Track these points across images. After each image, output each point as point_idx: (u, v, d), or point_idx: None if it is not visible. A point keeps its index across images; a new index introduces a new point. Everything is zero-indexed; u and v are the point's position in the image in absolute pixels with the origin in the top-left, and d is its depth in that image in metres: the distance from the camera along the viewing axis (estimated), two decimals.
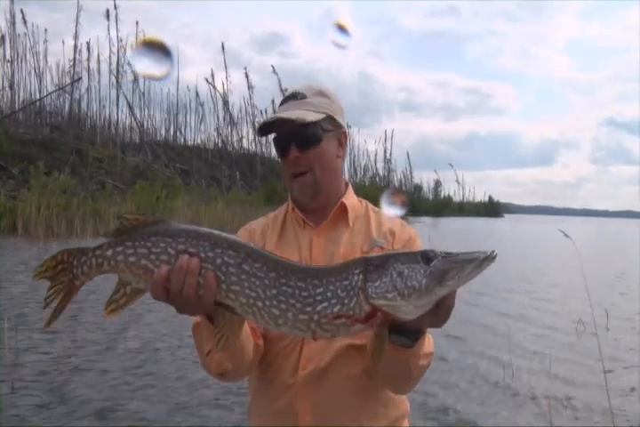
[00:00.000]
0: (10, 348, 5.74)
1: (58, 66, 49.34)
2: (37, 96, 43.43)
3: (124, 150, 39.68)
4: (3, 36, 41.91)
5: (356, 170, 73.93)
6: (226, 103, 54.10)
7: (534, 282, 13.18)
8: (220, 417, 4.44)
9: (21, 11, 42.77)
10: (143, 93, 49.17)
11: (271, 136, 1.57)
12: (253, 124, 57.09)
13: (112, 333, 6.73)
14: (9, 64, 42.57)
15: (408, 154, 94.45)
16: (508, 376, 5.67)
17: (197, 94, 55.32)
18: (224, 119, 54.44)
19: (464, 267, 1.04)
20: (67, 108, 42.79)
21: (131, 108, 46.39)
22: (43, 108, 42.31)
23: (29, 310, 7.68)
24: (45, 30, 47.44)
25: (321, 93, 1.55)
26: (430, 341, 1.35)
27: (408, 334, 1.19)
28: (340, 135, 1.57)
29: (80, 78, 43.44)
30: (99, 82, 47.56)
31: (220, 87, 55.54)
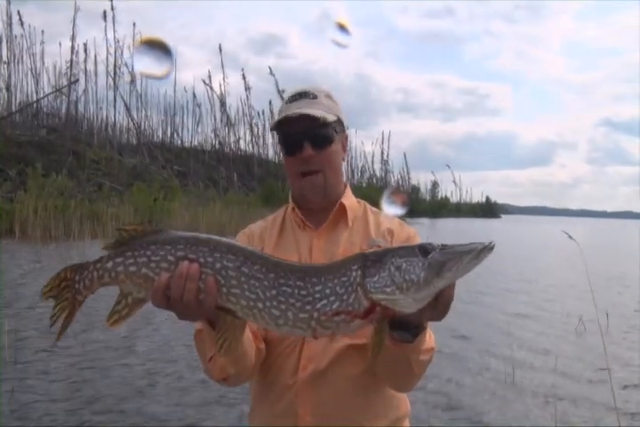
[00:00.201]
0: (9, 347, 5.74)
1: (55, 67, 49.42)
2: (34, 98, 43.38)
3: (121, 152, 39.61)
4: None
5: (353, 171, 74.02)
6: (223, 104, 54.13)
7: (535, 282, 13.24)
8: (220, 417, 4.46)
9: (18, 12, 42.77)
10: (140, 95, 49.24)
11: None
12: (250, 125, 57.18)
13: (113, 332, 6.73)
14: (5, 65, 42.44)
15: (405, 155, 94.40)
16: (510, 375, 5.67)
17: (195, 96, 55.35)
18: (221, 121, 54.50)
19: (462, 258, 1.04)
20: (64, 110, 42.74)
21: (128, 109, 46.40)
22: (39, 109, 42.22)
23: (28, 310, 7.69)
24: (42, 32, 47.79)
25: (329, 96, 1.58)
26: (431, 336, 1.35)
27: (408, 328, 1.19)
28: (344, 138, 1.61)
29: (77, 80, 43.45)
30: (96, 83, 47.58)
31: (217, 88, 55.69)
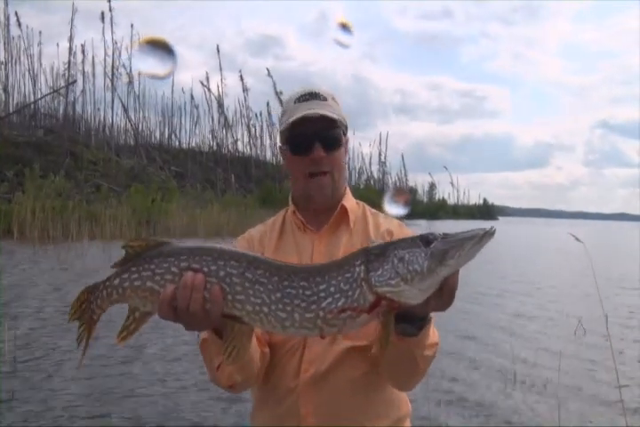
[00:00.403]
0: (8, 347, 5.75)
1: (52, 68, 49.16)
2: (32, 99, 43.38)
3: (118, 153, 39.61)
4: None
5: (350, 173, 74.03)
6: (221, 106, 54.16)
7: (538, 283, 13.34)
8: (218, 416, 4.48)
9: (16, 13, 42.94)
10: (138, 96, 49.27)
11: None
12: (248, 126, 57.18)
13: (112, 335, 6.74)
14: (3, 66, 42.54)
15: (403, 157, 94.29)
16: (513, 373, 5.71)
17: (192, 97, 55.41)
18: (219, 122, 54.52)
19: (464, 245, 1.04)
20: (61, 111, 42.79)
21: (125, 110, 46.41)
22: (37, 110, 42.22)
23: (26, 311, 7.71)
24: (40, 33, 47.65)
25: (335, 99, 1.58)
26: (435, 332, 1.35)
27: (413, 321, 1.19)
28: (346, 142, 1.61)
29: (75, 81, 43.41)
30: (93, 84, 47.67)
31: (214, 90, 55.54)
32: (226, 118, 54.82)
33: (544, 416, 4.67)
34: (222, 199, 31.89)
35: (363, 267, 1.10)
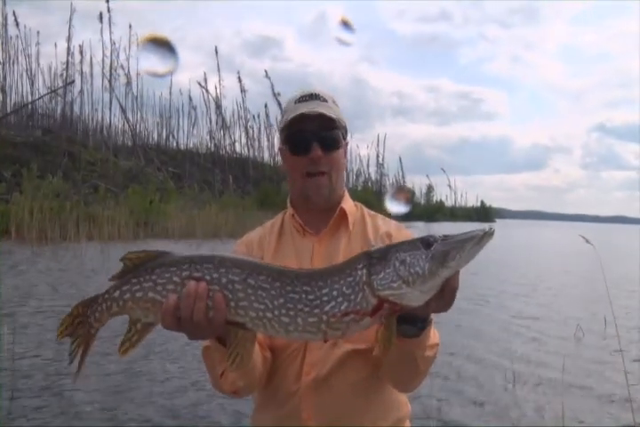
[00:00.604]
0: (8, 350, 5.75)
1: (50, 68, 49.04)
2: (29, 99, 43.35)
3: (116, 154, 39.54)
4: None
5: (348, 175, 73.98)
6: (219, 107, 54.10)
7: (547, 281, 13.60)
8: (216, 417, 4.49)
9: (13, 13, 42.68)
10: (136, 97, 49.22)
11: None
12: (246, 128, 57.14)
13: (112, 336, 6.75)
14: (1, 66, 42.40)
15: (400, 159, 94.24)
16: (515, 373, 5.73)
17: (190, 98, 55.35)
18: (217, 123, 54.43)
19: (464, 246, 1.05)
20: (59, 111, 42.70)
21: (123, 111, 46.37)
22: (35, 110, 42.15)
23: (24, 313, 7.71)
24: (38, 33, 47.37)
25: (335, 102, 1.58)
26: (435, 333, 1.36)
27: (415, 322, 1.21)
28: (346, 146, 1.62)
29: (73, 81, 43.31)
30: (91, 85, 47.46)
31: (212, 91, 55.60)
32: (223, 119, 54.82)
33: (548, 415, 4.70)
34: (220, 200, 31.87)
35: (365, 270, 1.11)
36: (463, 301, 9.62)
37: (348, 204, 1.63)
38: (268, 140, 57.69)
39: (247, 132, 57.34)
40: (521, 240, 39.07)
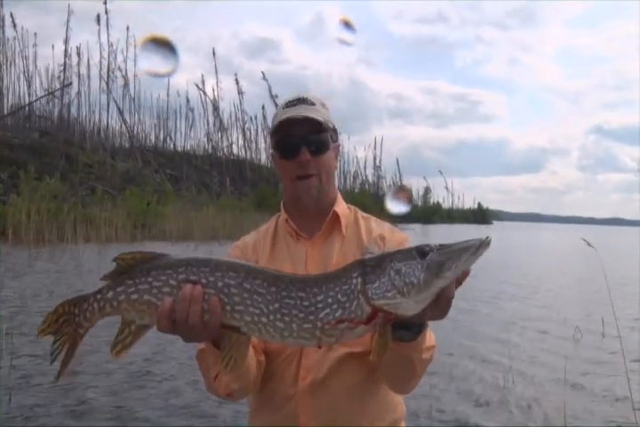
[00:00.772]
0: (6, 350, 5.76)
1: (47, 70, 49.17)
2: (26, 101, 43.30)
3: (113, 156, 39.51)
4: None
5: (345, 177, 74.15)
6: (216, 109, 54.15)
7: (547, 282, 13.66)
8: (213, 417, 4.51)
9: (11, 14, 42.62)
10: (133, 99, 49.24)
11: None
12: (243, 130, 57.23)
13: (112, 336, 6.76)
14: None
15: (398, 160, 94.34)
16: (515, 372, 5.75)
17: (188, 100, 55.38)
18: (214, 125, 54.48)
19: (460, 256, 1.05)
20: (56, 113, 42.67)
21: (121, 113, 46.38)
22: (32, 112, 42.10)
23: (23, 314, 7.71)
24: (35, 34, 47.51)
25: (324, 105, 1.59)
26: (432, 335, 1.37)
27: (411, 328, 1.21)
28: (337, 147, 1.63)
29: (70, 83, 43.32)
30: (89, 87, 47.40)
31: (210, 93, 55.59)
32: (221, 121, 54.87)
33: (549, 415, 4.73)
34: (217, 202, 31.87)
35: (360, 279, 1.11)
36: (463, 301, 9.68)
37: (341, 207, 1.64)
38: (266, 141, 57.65)
39: (244, 134, 57.43)
40: (520, 242, 39.11)
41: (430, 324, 1.27)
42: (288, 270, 1.42)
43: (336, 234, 1.59)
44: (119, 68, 46.37)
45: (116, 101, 45.64)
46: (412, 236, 1.33)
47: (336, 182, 1.67)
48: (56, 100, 42.51)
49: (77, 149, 35.10)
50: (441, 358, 6.21)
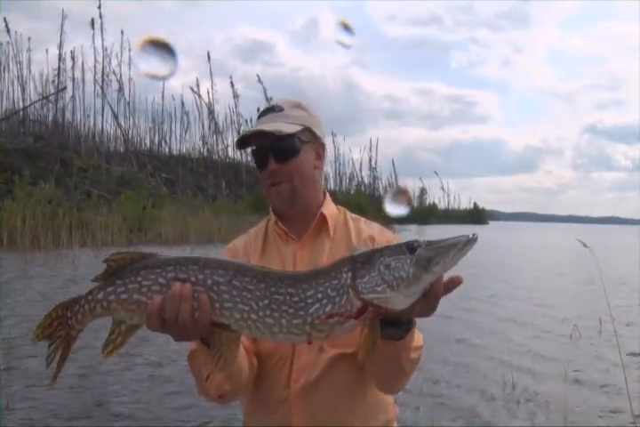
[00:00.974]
0: (4, 352, 5.74)
1: (42, 75, 48.91)
2: (21, 105, 43.22)
3: (108, 160, 39.44)
4: None
5: (341, 178, 74.27)
6: (211, 112, 54.18)
7: (546, 281, 13.77)
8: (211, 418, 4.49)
9: (4, 19, 42.48)
10: (128, 103, 49.10)
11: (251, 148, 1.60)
12: (239, 132, 57.08)
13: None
14: None
15: (393, 162, 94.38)
16: (510, 375, 5.74)
17: (183, 103, 55.36)
18: (209, 128, 54.49)
19: (448, 252, 1.08)
20: (50, 118, 42.54)
21: (116, 117, 46.31)
22: (26, 117, 42.00)
23: (16, 318, 7.66)
24: (29, 39, 47.33)
25: (299, 106, 1.60)
26: (419, 335, 1.39)
27: (399, 325, 1.22)
28: (318, 147, 1.61)
29: (64, 87, 43.23)
30: (83, 91, 47.32)
31: (205, 96, 55.64)
32: (216, 124, 54.91)
33: (550, 413, 4.73)
34: (213, 205, 31.87)
35: (350, 274, 1.12)
36: (462, 301, 9.72)
37: (329, 208, 1.64)
38: None
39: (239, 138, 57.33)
40: (517, 242, 39.23)
41: (425, 325, 1.29)
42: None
43: (324, 235, 1.60)
44: (114, 72, 46.32)
45: (110, 105, 45.62)
46: (409, 236, 1.32)
47: (331, 181, 1.66)
48: (50, 105, 42.43)
49: (72, 154, 35.05)
50: (441, 358, 6.21)
